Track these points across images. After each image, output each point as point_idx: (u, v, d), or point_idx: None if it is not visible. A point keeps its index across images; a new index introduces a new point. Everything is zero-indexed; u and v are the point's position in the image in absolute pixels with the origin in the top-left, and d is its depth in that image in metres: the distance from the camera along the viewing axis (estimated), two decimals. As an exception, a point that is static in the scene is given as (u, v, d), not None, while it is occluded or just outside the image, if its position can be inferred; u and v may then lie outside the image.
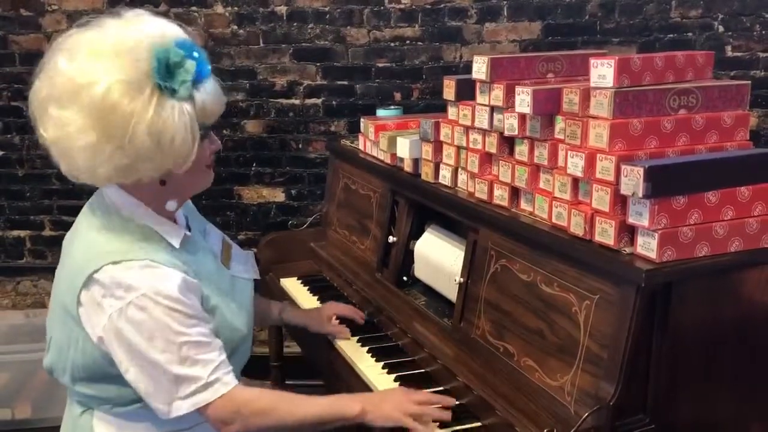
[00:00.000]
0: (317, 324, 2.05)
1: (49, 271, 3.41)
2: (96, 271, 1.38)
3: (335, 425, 1.57)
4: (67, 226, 3.37)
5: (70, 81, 1.32)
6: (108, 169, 1.37)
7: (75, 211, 3.29)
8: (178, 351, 1.39)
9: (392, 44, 3.14)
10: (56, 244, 3.38)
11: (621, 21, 3.05)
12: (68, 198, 3.35)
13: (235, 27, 3.15)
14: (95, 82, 1.31)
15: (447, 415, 1.60)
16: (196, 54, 1.38)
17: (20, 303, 3.45)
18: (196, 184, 1.53)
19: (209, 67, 1.41)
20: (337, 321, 2.08)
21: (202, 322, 1.43)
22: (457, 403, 1.65)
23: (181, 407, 1.41)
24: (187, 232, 1.55)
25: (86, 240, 1.46)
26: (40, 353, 2.97)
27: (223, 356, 1.45)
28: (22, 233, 3.40)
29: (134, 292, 1.37)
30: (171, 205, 1.49)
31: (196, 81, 1.37)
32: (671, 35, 3.04)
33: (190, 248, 1.53)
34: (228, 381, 1.44)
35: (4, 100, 3.27)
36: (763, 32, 3.02)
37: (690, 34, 3.04)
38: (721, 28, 3.04)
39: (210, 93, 1.40)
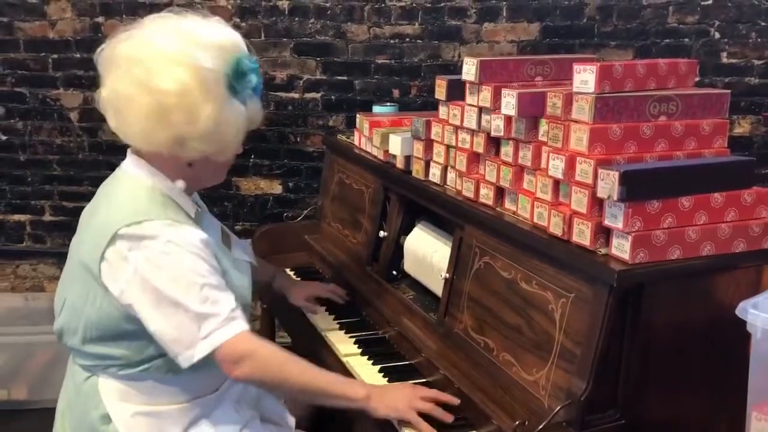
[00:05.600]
0: (296, 298, 2.19)
1: (49, 256, 3.48)
2: (121, 228, 1.49)
3: (335, 405, 1.62)
4: (67, 211, 3.48)
5: (159, 53, 1.50)
6: (167, 136, 1.52)
7: (75, 197, 3.41)
8: (200, 291, 1.49)
9: (392, 41, 3.18)
10: (56, 229, 3.46)
11: (618, 25, 3.09)
12: (69, 184, 3.40)
13: (237, 20, 3.19)
14: (179, 61, 1.49)
15: (449, 417, 1.59)
16: (257, 72, 1.59)
17: (19, 286, 3.51)
18: (213, 177, 1.68)
19: (261, 87, 1.63)
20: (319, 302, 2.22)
21: (218, 274, 1.55)
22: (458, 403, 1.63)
23: (203, 347, 1.48)
24: (199, 208, 1.68)
25: (112, 204, 1.58)
26: (37, 336, 3.06)
27: (238, 304, 1.54)
28: (23, 218, 3.46)
29: (160, 239, 1.49)
30: (180, 183, 1.60)
31: (253, 92, 1.59)
32: (668, 40, 3.08)
33: (200, 224, 1.63)
34: (244, 323, 1.53)
35: (8, 85, 3.32)
36: (759, 40, 3.06)
37: (686, 39, 3.07)
38: (717, 35, 3.07)
39: (257, 107, 1.63)
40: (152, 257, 1.48)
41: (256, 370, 1.53)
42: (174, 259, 1.49)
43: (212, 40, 1.53)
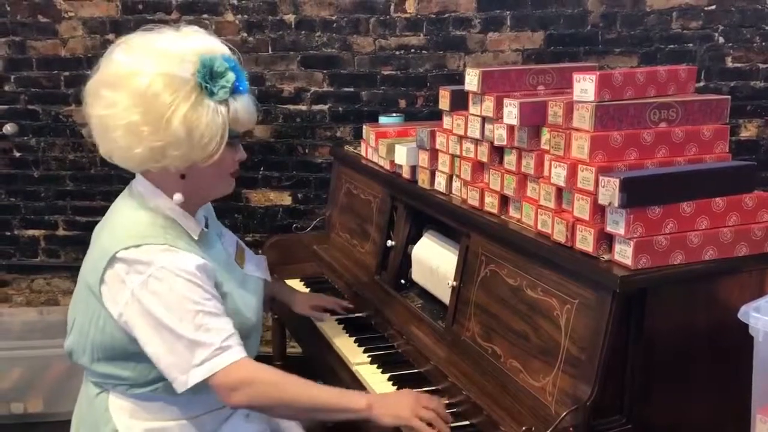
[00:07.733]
0: (300, 306, 2.21)
1: (63, 270, 3.52)
2: (119, 251, 1.51)
3: (338, 419, 1.61)
4: (81, 226, 3.52)
5: (122, 68, 1.52)
6: (143, 149, 1.51)
7: (88, 212, 3.46)
8: (194, 319, 1.49)
9: (397, 52, 3.21)
10: (69, 243, 3.51)
11: (622, 32, 3.10)
12: (81, 199, 3.45)
13: (245, 34, 3.23)
14: (141, 72, 1.50)
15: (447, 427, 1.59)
16: (238, 70, 1.57)
17: (34, 300, 3.55)
18: (215, 187, 1.65)
19: (247, 85, 1.60)
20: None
21: (215, 300, 1.54)
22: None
23: (197, 374, 1.49)
24: (205, 229, 1.67)
25: (114, 226, 1.60)
26: (52, 349, 3.10)
27: (235, 330, 1.54)
28: (37, 233, 3.50)
29: (155, 266, 1.50)
30: (177, 196, 1.59)
31: (233, 91, 1.55)
32: (672, 46, 3.09)
33: (206, 243, 1.65)
34: (239, 351, 1.52)
35: (22, 103, 3.37)
36: (763, 43, 3.07)
37: (690, 45, 3.09)
38: (721, 40, 3.08)
39: (244, 105, 1.59)
40: (147, 283, 1.49)
41: (254, 396, 1.52)
42: (167, 286, 1.49)
43: (175, 47, 1.53)
